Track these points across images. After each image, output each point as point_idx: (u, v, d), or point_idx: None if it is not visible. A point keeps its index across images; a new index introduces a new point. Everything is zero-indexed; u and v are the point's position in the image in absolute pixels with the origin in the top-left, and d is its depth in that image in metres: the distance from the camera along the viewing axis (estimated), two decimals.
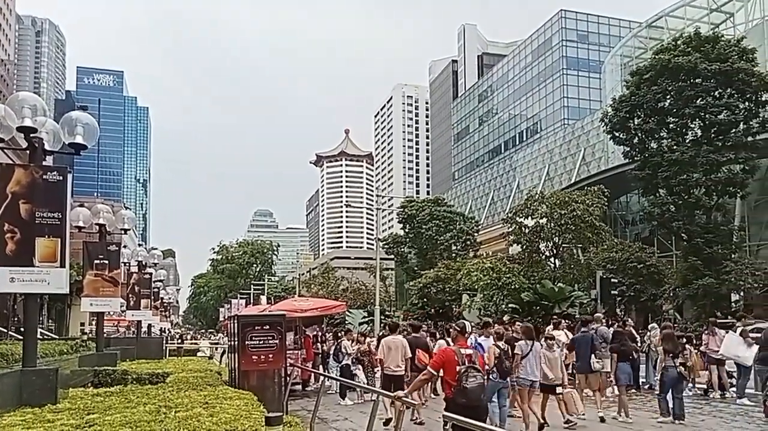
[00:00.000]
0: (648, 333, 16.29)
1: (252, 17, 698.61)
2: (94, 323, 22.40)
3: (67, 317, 42.71)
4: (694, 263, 29.85)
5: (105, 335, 15.13)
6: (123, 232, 13.14)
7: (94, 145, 7.36)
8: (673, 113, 31.05)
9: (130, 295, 17.80)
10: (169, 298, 40.88)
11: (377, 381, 13.47)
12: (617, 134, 33.25)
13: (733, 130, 29.89)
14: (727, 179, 30.13)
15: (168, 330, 44.95)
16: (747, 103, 29.57)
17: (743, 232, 35.92)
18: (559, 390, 10.31)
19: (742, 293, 30.33)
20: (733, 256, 30.71)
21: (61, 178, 6.26)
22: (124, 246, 15.61)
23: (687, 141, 31.16)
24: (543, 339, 10.76)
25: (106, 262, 11.33)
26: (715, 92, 29.77)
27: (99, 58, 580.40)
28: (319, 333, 19.26)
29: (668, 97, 30.78)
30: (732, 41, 31.07)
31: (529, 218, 33.92)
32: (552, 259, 34.90)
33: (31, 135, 6.30)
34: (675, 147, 30.74)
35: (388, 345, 11.30)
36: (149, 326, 24.64)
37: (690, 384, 14.69)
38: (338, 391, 14.71)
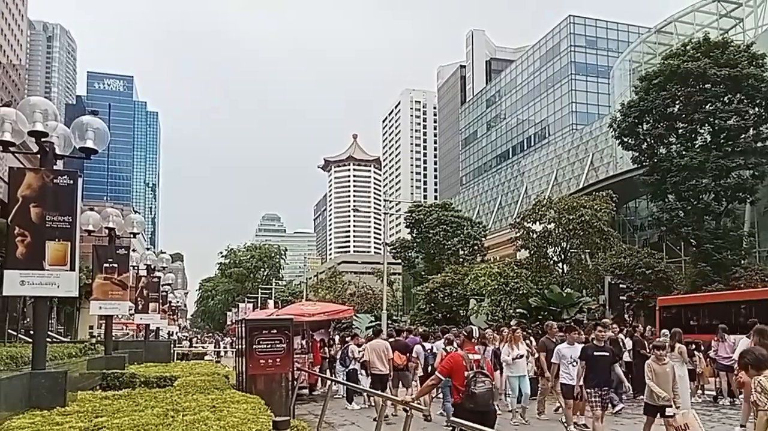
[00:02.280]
0: (658, 340, 16.18)
1: (259, 24, 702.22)
2: (102, 326, 22.50)
3: (76, 321, 42.89)
4: (703, 269, 29.66)
5: (113, 338, 15.20)
6: (132, 236, 13.20)
7: (104, 149, 7.42)
8: (682, 119, 30.94)
9: (139, 298, 17.88)
10: (177, 301, 41.07)
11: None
12: (626, 139, 33.15)
13: (743, 135, 29.74)
14: (736, 185, 29.96)
15: (176, 333, 45.07)
16: (756, 109, 29.45)
17: (752, 238, 35.67)
18: (669, 411, 8.27)
19: None
20: (742, 262, 30.51)
21: (71, 182, 6.32)
22: (133, 250, 15.70)
23: (696, 146, 31.02)
24: (651, 350, 9.23)
25: (115, 265, 11.40)
26: (725, 98, 29.65)
27: (108, 62, 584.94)
28: (326, 338, 19.25)
29: (677, 102, 30.68)
30: (741, 47, 30.98)
31: (537, 223, 33.85)
32: (560, 264, 34.79)
33: (42, 139, 6.36)
34: (684, 152, 30.62)
35: (373, 348, 12.69)
36: (157, 329, 24.73)
37: (699, 391, 14.61)
38: (345, 396, 14.71)
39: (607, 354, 9.15)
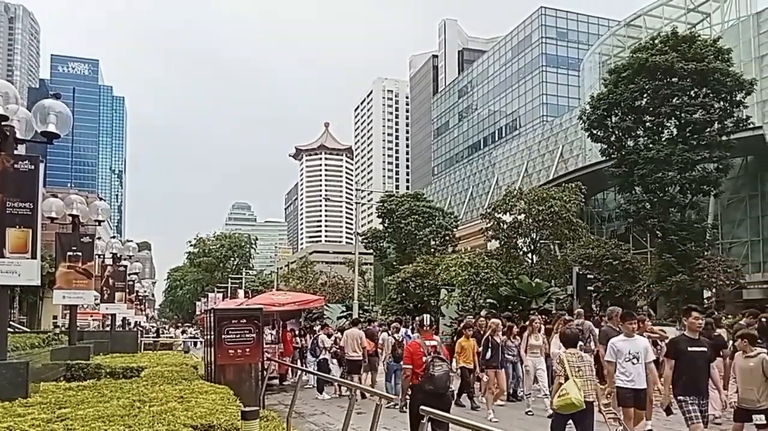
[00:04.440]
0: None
1: (230, 10, 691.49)
2: (66, 316, 22.04)
3: (39, 310, 42.04)
4: (668, 260, 30.32)
5: (78, 328, 14.89)
6: (97, 223, 12.95)
7: (67, 134, 7.23)
8: (650, 112, 31.42)
9: (104, 288, 17.56)
10: (145, 291, 40.44)
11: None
12: (595, 132, 33.57)
13: (708, 129, 30.33)
14: (701, 178, 30.62)
15: (142, 323, 44.42)
16: (722, 103, 30.02)
17: (716, 230, 36.53)
18: (757, 418, 6.69)
19: (714, 290, 30.88)
20: (705, 253, 31.24)
21: (32, 167, 6.14)
22: (98, 238, 15.38)
23: (663, 140, 31.57)
24: (737, 341, 7.51)
25: (80, 254, 11.15)
26: (691, 92, 30.17)
27: (73, 46, 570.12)
28: (296, 328, 19.14)
29: (645, 95, 31.13)
30: (708, 41, 31.52)
31: (508, 213, 34.11)
32: (529, 255, 35.15)
33: (3, 123, 6.16)
34: (651, 145, 31.15)
35: (347, 335, 14.01)
36: (124, 319, 24.32)
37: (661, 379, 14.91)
38: (315, 385, 14.71)
39: (705, 349, 6.97)
